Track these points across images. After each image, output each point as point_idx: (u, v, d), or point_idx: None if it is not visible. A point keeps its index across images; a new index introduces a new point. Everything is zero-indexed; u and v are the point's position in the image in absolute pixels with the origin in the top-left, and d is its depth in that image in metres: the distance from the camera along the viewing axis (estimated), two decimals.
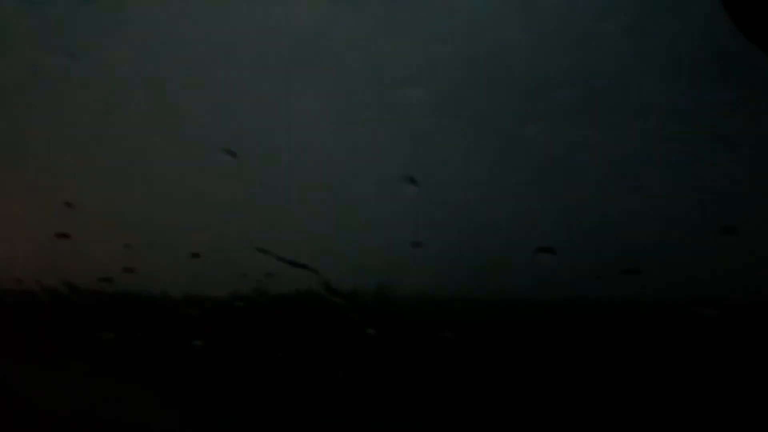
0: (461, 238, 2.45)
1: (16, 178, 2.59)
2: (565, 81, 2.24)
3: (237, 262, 2.58)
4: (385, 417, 2.44)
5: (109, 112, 2.47)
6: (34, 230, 2.63)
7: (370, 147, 2.39)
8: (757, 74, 2.14)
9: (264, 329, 2.59)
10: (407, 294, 2.49)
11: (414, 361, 2.51)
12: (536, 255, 2.39)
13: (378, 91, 2.34)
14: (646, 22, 2.17)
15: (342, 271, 2.53)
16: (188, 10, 2.37)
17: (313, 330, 2.58)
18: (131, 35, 2.42)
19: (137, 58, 2.43)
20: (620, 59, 2.22)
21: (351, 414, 2.47)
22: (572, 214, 2.38)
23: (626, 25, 2.19)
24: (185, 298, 2.60)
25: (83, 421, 2.51)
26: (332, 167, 2.45)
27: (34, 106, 2.52)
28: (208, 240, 2.57)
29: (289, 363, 2.57)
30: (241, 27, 2.36)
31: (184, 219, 2.57)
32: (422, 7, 2.27)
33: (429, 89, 2.27)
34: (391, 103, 2.34)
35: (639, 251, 2.36)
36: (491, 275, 2.44)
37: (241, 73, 2.38)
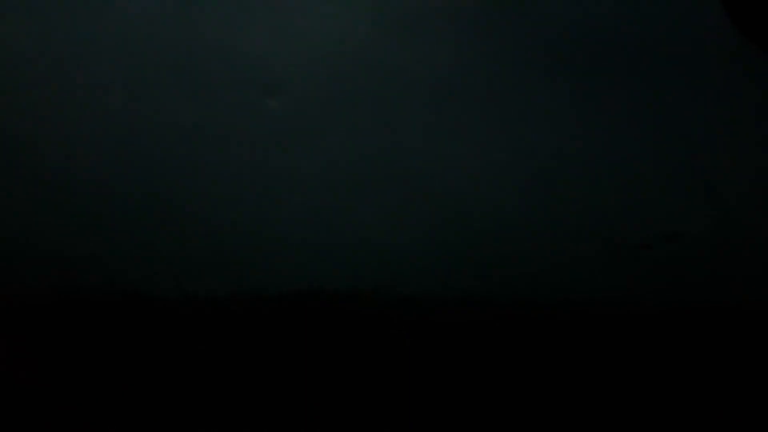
0: (457, 236, 2.46)
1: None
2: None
3: (237, 261, 2.58)
4: (386, 416, 2.45)
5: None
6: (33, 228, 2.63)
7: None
8: (757, 74, 2.15)
9: (264, 329, 2.59)
10: (407, 292, 2.50)
11: (414, 360, 2.52)
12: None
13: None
14: (644, 21, 2.18)
15: (341, 271, 2.53)
16: None
17: (313, 330, 2.58)
18: None
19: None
20: (618, 58, 2.23)
21: (351, 414, 2.47)
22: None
23: (625, 25, 2.20)
24: (185, 298, 2.60)
25: (82, 421, 2.50)
26: (328, 165, 2.46)
27: None
28: (207, 240, 2.57)
29: (289, 363, 2.57)
30: None
31: (182, 219, 2.57)
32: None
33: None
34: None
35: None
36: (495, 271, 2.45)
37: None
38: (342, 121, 2.40)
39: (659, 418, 2.35)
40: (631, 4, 2.13)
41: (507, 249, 2.41)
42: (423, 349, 2.50)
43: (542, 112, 2.23)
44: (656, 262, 2.34)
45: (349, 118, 2.38)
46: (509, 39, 2.17)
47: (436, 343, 2.50)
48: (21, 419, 2.48)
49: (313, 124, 2.41)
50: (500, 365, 2.47)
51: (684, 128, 2.23)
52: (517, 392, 2.44)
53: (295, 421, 2.47)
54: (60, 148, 2.52)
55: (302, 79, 2.38)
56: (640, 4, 2.12)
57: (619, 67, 2.19)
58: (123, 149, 2.52)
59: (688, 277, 2.34)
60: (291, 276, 2.54)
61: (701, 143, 2.24)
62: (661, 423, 2.34)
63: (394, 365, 2.51)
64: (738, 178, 2.25)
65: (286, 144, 2.43)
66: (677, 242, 2.32)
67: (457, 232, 2.43)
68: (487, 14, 2.14)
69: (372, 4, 2.21)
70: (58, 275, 2.60)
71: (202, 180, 2.50)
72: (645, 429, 2.34)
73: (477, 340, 2.48)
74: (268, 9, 2.31)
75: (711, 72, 2.17)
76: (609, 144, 2.27)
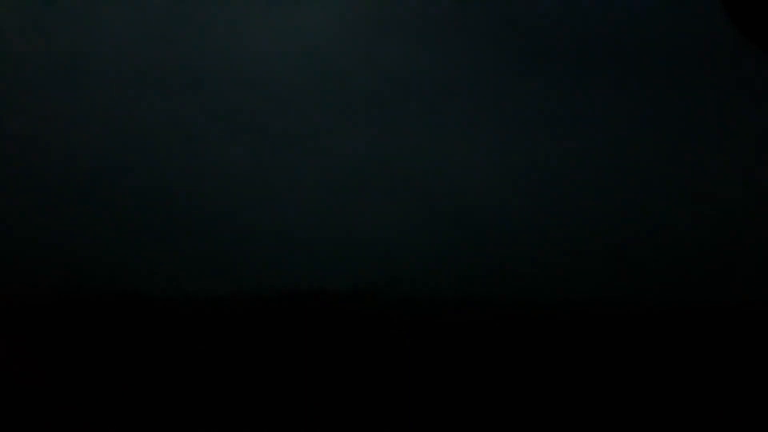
0: (458, 237, 2.46)
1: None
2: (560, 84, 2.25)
3: (237, 261, 2.58)
4: (386, 415, 2.45)
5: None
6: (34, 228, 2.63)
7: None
8: (757, 74, 2.15)
9: (264, 329, 2.59)
10: (407, 292, 2.50)
11: (415, 359, 2.52)
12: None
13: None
14: (646, 22, 2.18)
15: (341, 271, 2.53)
16: None
17: (313, 330, 2.58)
18: None
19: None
20: (616, 59, 2.23)
21: (351, 413, 2.47)
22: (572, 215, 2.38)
23: (626, 26, 2.20)
24: (185, 298, 2.60)
25: (82, 421, 2.50)
26: (330, 166, 2.46)
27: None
28: (207, 240, 2.57)
29: (289, 362, 2.57)
30: None
31: (183, 218, 2.57)
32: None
33: None
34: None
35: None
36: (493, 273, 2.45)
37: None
38: (342, 122, 2.40)
39: (659, 417, 2.35)
40: (630, 4, 2.13)
41: (507, 249, 2.41)
42: (423, 349, 2.50)
43: (541, 112, 2.23)
44: (656, 262, 2.34)
45: (349, 118, 2.38)
46: (509, 39, 2.17)
47: (436, 343, 2.50)
48: (21, 419, 2.48)
49: (313, 125, 2.41)
50: (500, 365, 2.47)
51: (683, 128, 2.23)
52: (517, 391, 2.44)
53: (295, 420, 2.46)
54: (61, 148, 2.53)
55: (301, 80, 2.38)
56: (639, 4, 2.12)
57: (617, 68, 2.19)
58: (123, 150, 2.52)
59: (688, 277, 2.34)
60: (291, 276, 2.53)
61: (700, 143, 2.24)
62: (661, 422, 2.34)
63: (394, 365, 2.51)
64: (737, 178, 2.25)
65: (286, 144, 2.43)
66: (676, 242, 2.32)
67: (458, 232, 2.43)
68: (480, 12, 2.14)
69: (363, 8, 2.21)
70: (58, 275, 2.60)
71: (202, 180, 2.50)
72: (645, 428, 2.34)
73: (477, 340, 2.48)
74: (265, 10, 2.31)
75: (711, 72, 2.17)
76: (607, 144, 2.27)
